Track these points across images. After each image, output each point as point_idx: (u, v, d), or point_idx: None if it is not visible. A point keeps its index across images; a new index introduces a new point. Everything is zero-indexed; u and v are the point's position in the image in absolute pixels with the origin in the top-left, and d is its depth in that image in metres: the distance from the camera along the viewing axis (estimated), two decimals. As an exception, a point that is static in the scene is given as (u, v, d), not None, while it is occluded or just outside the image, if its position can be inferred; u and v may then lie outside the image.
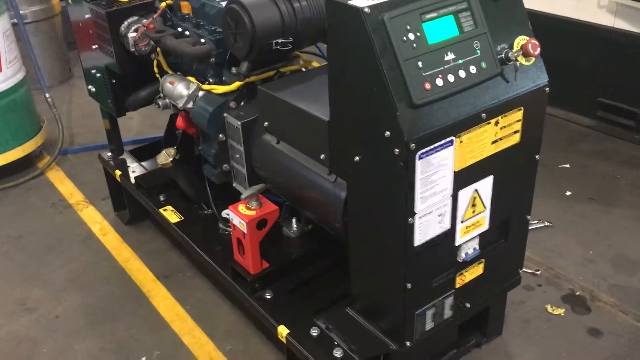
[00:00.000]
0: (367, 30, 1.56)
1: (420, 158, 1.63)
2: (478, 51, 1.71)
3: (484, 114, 1.72)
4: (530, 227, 2.40)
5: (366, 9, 1.56)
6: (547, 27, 3.64)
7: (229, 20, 2.26)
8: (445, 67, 1.65)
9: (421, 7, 1.63)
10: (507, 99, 1.76)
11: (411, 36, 1.61)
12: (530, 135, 1.89)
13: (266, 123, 2.27)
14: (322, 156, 2.00)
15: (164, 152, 2.71)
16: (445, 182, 1.73)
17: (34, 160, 4.03)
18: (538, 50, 1.77)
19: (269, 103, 2.22)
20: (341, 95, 1.76)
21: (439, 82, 1.63)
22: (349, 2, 1.60)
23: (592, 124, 4.03)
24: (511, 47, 1.77)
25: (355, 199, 1.88)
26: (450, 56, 1.66)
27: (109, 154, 3.28)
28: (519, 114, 1.82)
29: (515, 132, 1.84)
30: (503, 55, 1.75)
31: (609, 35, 3.72)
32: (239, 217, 2.24)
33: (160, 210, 2.85)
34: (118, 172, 3.14)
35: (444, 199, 1.76)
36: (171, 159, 2.69)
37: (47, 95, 4.05)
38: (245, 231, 2.23)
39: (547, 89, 1.86)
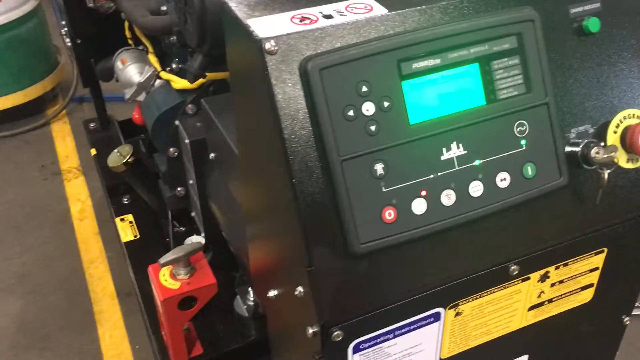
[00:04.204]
0: (269, 88, 0.73)
1: (358, 350, 0.82)
2: (523, 142, 0.82)
3: (514, 267, 0.85)
4: None
5: (269, 45, 0.72)
6: None
7: (178, -12, 1.47)
8: (440, 174, 0.79)
9: (403, 45, 0.76)
10: (574, 236, 0.88)
11: (368, 108, 0.75)
12: (617, 288, 1.00)
13: (212, 155, 1.49)
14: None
15: (116, 150, 2.01)
16: (418, 378, 0.91)
17: (48, 105, 3.48)
18: (658, 146, 0.86)
19: (210, 129, 1.44)
20: (251, 169, 0.95)
21: (419, 206, 0.78)
22: (250, 21, 0.77)
23: None
24: (599, 134, 0.87)
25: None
26: (455, 151, 0.79)
27: (93, 124, 2.64)
28: (596, 260, 0.93)
29: (586, 287, 0.96)
30: (579, 150, 0.86)
31: None
32: (155, 288, 1.52)
33: (117, 219, 2.19)
34: (93, 151, 2.49)
35: (416, 401, 0.94)
36: (124, 161, 1.99)
37: (64, 28, 3.42)
38: (160, 310, 1.52)
39: (666, 214, 0.95)
